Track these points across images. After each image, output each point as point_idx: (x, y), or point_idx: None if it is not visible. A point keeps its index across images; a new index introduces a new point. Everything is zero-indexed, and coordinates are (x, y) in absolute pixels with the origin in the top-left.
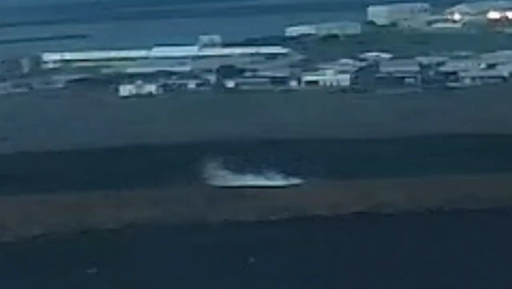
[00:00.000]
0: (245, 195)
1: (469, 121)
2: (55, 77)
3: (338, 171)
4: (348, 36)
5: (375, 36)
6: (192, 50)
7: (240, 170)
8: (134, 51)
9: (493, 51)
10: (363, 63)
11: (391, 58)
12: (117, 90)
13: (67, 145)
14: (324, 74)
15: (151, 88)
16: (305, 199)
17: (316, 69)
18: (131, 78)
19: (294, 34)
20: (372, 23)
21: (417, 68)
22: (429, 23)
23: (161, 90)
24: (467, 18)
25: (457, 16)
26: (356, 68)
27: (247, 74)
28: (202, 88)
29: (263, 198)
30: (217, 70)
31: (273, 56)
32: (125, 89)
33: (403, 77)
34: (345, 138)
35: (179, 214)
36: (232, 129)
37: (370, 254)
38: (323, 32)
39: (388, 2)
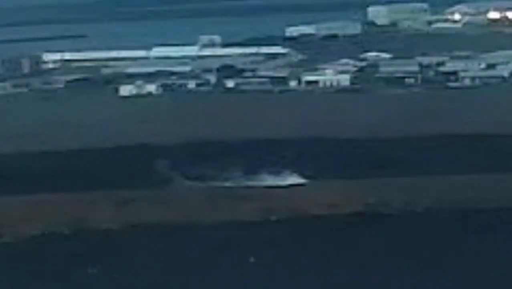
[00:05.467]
0: (246, 195)
1: (469, 121)
2: (55, 77)
3: (338, 170)
4: (348, 36)
5: (375, 36)
6: (192, 50)
7: (240, 170)
8: (134, 51)
9: (493, 51)
10: (363, 63)
11: (391, 58)
12: (117, 90)
13: (67, 145)
14: (324, 74)
15: (151, 88)
16: (305, 198)
17: (316, 69)
18: (131, 78)
19: (294, 34)
20: (372, 23)
21: (417, 68)
22: (429, 23)
23: (161, 90)
24: (467, 18)
25: (457, 16)
26: (356, 68)
27: (247, 74)
28: (202, 88)
29: (263, 198)
30: (217, 70)
31: (273, 56)
32: (125, 89)
33: (403, 77)
34: (345, 139)
35: (180, 214)
36: (232, 129)
37: (370, 254)
38: (323, 32)
39: (388, 2)
